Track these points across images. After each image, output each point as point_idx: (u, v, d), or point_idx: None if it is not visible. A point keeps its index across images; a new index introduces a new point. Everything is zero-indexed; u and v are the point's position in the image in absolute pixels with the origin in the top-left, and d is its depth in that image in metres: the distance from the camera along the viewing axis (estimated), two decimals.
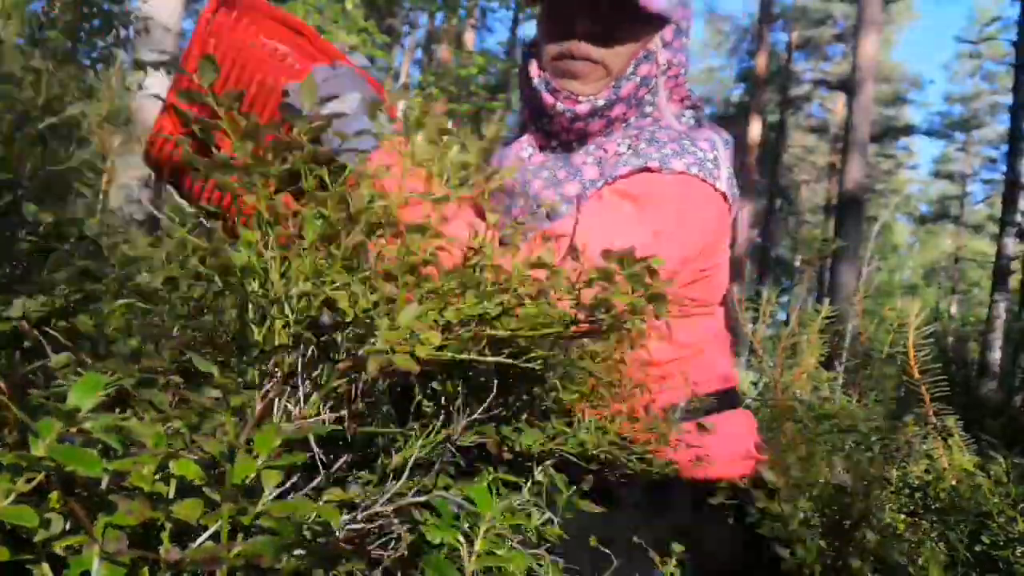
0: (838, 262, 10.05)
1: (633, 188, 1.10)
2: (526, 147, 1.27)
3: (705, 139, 1.16)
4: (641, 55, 1.18)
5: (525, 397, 0.92)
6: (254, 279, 0.71)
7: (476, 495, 0.74)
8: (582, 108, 1.17)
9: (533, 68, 1.21)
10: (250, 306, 0.72)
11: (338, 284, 0.68)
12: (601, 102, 1.17)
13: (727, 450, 1.12)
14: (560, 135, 1.23)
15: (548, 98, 1.19)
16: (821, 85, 22.15)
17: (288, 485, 0.63)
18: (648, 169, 1.11)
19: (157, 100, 0.95)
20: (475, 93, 11.37)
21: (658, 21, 1.16)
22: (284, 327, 0.69)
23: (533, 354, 0.77)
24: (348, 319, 0.67)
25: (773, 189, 20.68)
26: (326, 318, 0.69)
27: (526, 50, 1.26)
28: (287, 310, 0.69)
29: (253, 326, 0.70)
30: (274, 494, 0.55)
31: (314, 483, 0.66)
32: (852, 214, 10.10)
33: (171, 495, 0.55)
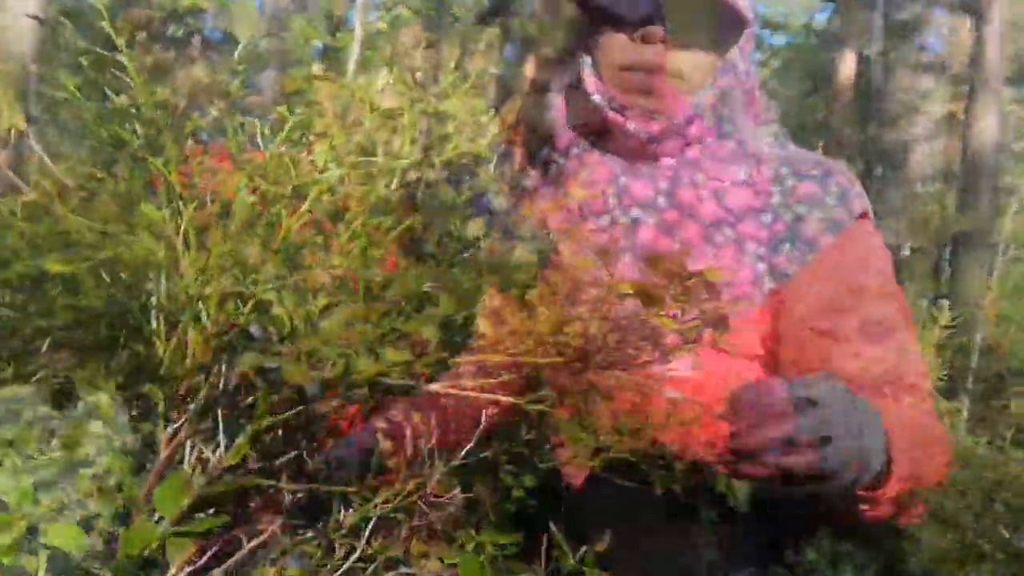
0: (961, 249, 10.06)
1: (848, 260, 1.24)
2: (594, 167, 1.34)
3: (833, 161, 1.32)
4: (720, 65, 1.28)
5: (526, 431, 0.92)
6: (159, 273, 0.71)
7: (464, 568, 0.74)
8: (656, 127, 1.27)
9: (590, 80, 1.30)
10: (153, 311, 0.71)
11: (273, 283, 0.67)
12: (679, 120, 1.26)
13: None
14: (623, 155, 1.33)
15: (616, 118, 1.28)
16: (937, 5, 22.14)
17: (203, 560, 0.63)
18: (837, 222, 1.25)
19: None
20: (459, 18, 11.38)
21: (739, 25, 1.28)
22: (201, 340, 0.69)
23: (543, 392, 0.77)
24: (285, 331, 0.66)
25: (871, 149, 20.66)
26: (257, 329, 0.69)
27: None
28: (204, 317, 0.68)
29: (157, 339, 0.69)
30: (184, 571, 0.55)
31: (237, 556, 0.66)
32: (981, 183, 10.10)
33: (41, 573, 0.55)
